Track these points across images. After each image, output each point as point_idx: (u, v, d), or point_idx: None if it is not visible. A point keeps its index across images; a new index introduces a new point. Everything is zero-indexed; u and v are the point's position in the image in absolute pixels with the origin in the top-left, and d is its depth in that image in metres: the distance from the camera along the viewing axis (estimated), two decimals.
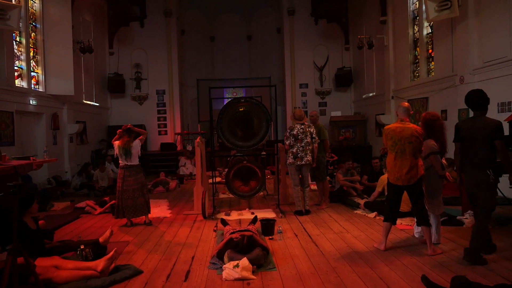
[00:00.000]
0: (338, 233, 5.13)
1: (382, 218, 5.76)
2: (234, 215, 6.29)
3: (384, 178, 5.82)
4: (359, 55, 14.47)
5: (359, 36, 12.39)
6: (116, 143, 5.76)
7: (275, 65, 17.20)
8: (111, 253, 3.78)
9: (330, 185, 7.58)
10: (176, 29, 15.62)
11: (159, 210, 6.84)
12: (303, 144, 6.24)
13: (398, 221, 5.49)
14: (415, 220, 4.80)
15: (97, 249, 4.21)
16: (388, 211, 4.39)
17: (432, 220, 4.37)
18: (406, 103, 4.42)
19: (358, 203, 6.64)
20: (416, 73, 10.75)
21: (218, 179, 10.42)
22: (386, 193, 5.62)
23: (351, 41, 15.14)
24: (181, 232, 5.36)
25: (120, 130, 5.86)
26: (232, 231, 4.62)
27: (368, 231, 5.20)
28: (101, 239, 4.32)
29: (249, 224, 5.27)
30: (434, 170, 4.36)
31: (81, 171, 10.03)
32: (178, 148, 14.66)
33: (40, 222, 5.29)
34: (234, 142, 6.53)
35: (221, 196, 8.34)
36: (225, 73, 17.29)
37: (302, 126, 6.32)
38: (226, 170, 11.99)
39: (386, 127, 4.39)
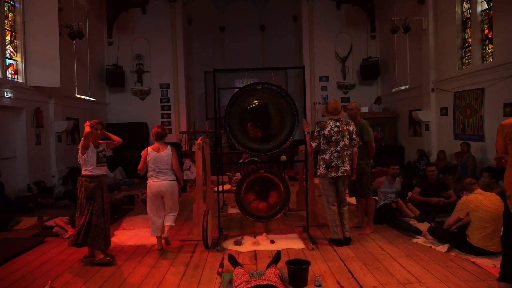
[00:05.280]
0: (405, 284, 3.39)
1: (460, 254, 4.04)
2: (247, 245, 4.58)
3: (468, 201, 4.05)
4: (388, 43, 12.69)
5: (392, 18, 10.58)
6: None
7: (292, 56, 15.51)
8: None
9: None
10: (182, 17, 14.03)
11: (148, 233, 5.17)
12: (338, 149, 4.53)
13: (489, 262, 3.76)
14: None
15: None
16: (508, 262, 2.63)
17: None
18: None
19: (417, 227, 4.89)
20: (466, 59, 8.92)
21: (227, 186, 8.71)
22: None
23: (378, 27, 13.41)
24: (169, 279, 3.67)
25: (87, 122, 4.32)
26: (245, 284, 2.97)
27: (451, 280, 3.45)
28: None
29: (268, 266, 3.61)
30: None
31: (67, 176, 8.42)
32: (184, 149, 13.07)
33: None
34: (248, 144, 4.83)
35: (230, 211, 6.66)
36: (236, 66, 15.52)
37: (337, 124, 4.60)
38: (237, 174, 10.52)
39: (504, 122, 2.64)
